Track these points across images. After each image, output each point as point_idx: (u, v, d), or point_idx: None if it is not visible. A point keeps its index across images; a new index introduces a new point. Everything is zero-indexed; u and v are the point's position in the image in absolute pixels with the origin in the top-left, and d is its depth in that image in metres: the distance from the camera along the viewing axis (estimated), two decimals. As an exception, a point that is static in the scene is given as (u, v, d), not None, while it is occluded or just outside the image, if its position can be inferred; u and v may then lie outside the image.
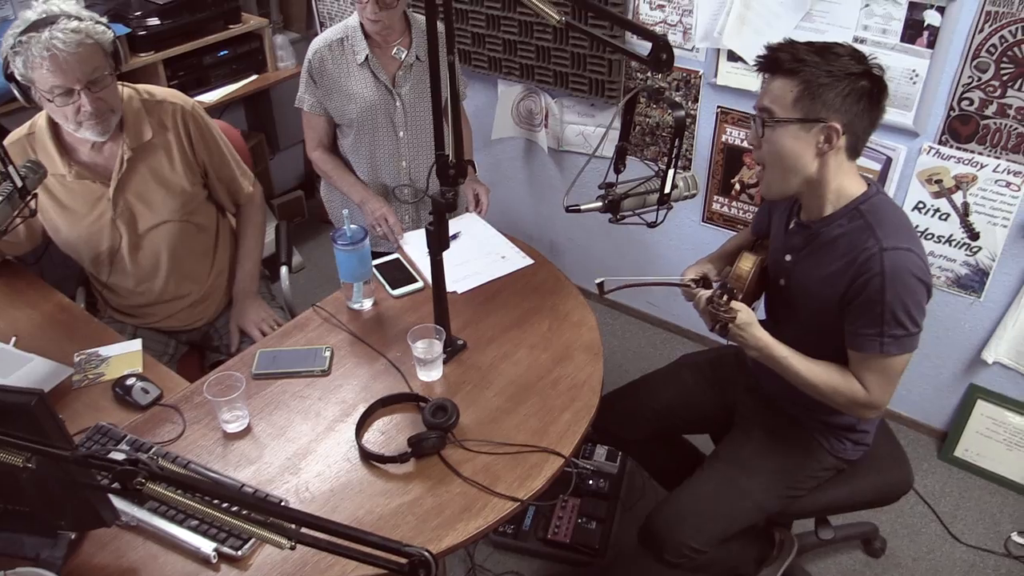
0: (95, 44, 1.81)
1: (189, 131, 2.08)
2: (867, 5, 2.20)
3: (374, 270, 2.08)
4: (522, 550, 2.38)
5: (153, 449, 1.61)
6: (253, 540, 1.43)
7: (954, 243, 2.39)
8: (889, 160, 2.38)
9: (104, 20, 1.87)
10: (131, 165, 1.99)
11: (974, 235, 2.35)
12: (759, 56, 1.57)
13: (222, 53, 3.17)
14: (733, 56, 2.49)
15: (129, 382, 1.76)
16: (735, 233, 2.16)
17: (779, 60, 1.53)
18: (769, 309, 1.92)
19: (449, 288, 1.87)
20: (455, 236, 2.26)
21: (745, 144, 2.64)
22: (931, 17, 2.13)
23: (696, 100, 2.66)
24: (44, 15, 1.76)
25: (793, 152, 1.57)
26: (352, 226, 1.94)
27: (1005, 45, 2.07)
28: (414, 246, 2.27)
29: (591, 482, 2.48)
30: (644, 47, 1.50)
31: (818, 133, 1.53)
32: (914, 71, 2.21)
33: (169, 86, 2.92)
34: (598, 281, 1.71)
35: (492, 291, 2.08)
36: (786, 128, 1.55)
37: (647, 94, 1.57)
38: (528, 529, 2.39)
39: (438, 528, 1.48)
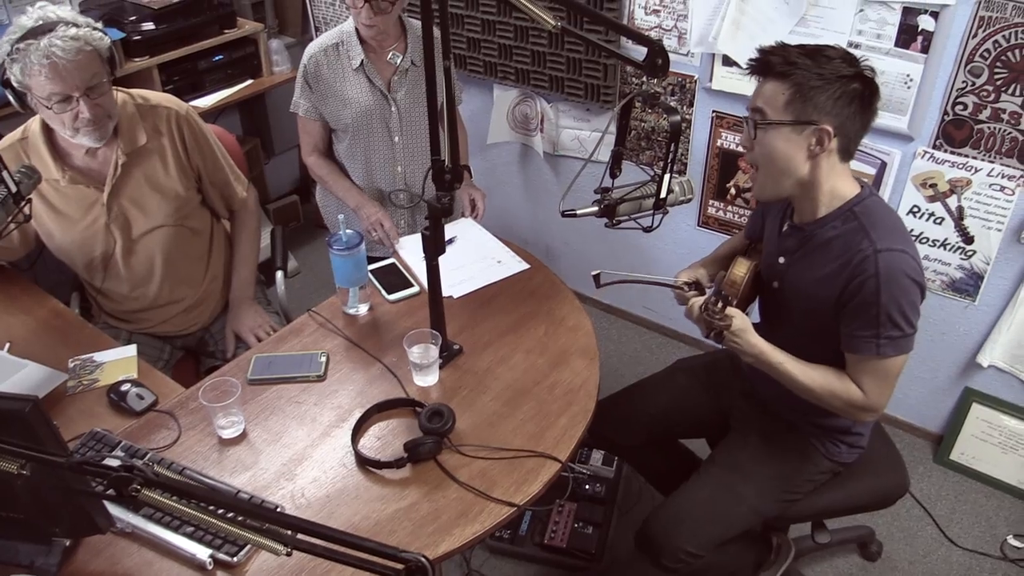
0: (93, 51, 1.80)
1: (183, 135, 2.07)
2: (861, 10, 2.21)
3: (370, 275, 2.08)
4: (519, 555, 2.38)
5: (148, 455, 1.60)
6: (249, 546, 1.43)
7: (949, 247, 2.40)
8: (884, 164, 2.39)
9: (100, 26, 1.87)
10: (125, 170, 1.99)
11: (968, 239, 2.36)
12: (751, 59, 1.58)
13: (217, 58, 3.17)
14: (728, 61, 2.50)
15: (124, 388, 1.76)
16: (728, 238, 2.16)
17: (770, 63, 1.54)
18: (763, 312, 1.92)
19: (445, 293, 1.87)
20: (451, 241, 2.26)
21: (740, 149, 2.65)
22: (925, 22, 2.14)
23: (691, 105, 2.66)
24: (41, 22, 1.75)
25: (785, 154, 1.57)
26: (348, 231, 1.94)
27: (999, 50, 2.07)
28: (410, 251, 2.27)
29: (587, 487, 2.48)
30: (639, 52, 1.50)
31: (810, 136, 1.54)
32: (908, 76, 2.22)
33: (164, 91, 2.91)
34: (595, 273, 1.71)
35: (488, 296, 2.08)
36: (778, 130, 1.55)
37: (643, 99, 1.58)
38: (525, 534, 2.39)
39: (435, 533, 1.48)
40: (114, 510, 1.42)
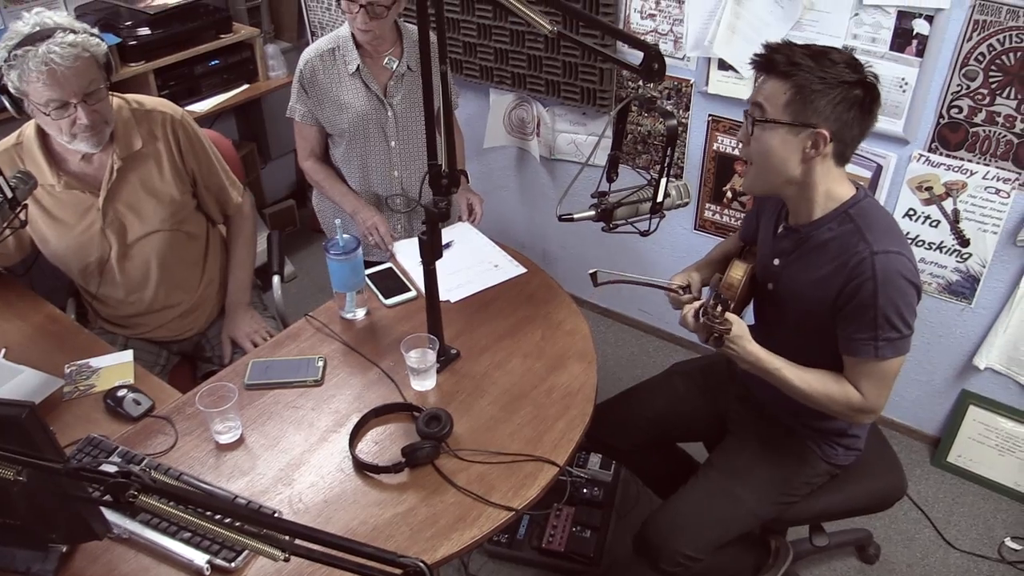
0: (91, 57, 1.80)
1: (179, 140, 2.07)
2: (856, 14, 2.22)
3: (367, 279, 2.08)
4: (517, 559, 2.37)
5: (145, 461, 1.60)
6: (246, 552, 1.42)
7: (945, 250, 2.41)
8: (879, 168, 2.40)
9: (97, 32, 1.86)
10: (121, 175, 1.99)
11: (964, 242, 2.36)
12: (755, 54, 1.58)
13: (213, 63, 3.16)
14: (724, 65, 2.50)
15: (120, 393, 1.75)
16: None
17: (774, 62, 1.54)
18: (758, 314, 1.92)
19: (442, 297, 1.87)
20: (448, 245, 2.25)
21: (736, 152, 2.65)
22: (920, 26, 2.14)
23: (687, 109, 2.67)
24: (38, 28, 1.75)
25: (780, 154, 1.57)
26: (344, 236, 1.94)
27: (993, 53, 2.08)
28: (407, 255, 2.26)
29: (585, 490, 2.48)
30: (635, 56, 1.50)
31: (806, 138, 1.54)
32: (903, 79, 2.22)
33: (160, 96, 2.91)
34: (592, 271, 1.71)
35: (485, 300, 2.08)
36: (775, 130, 1.55)
37: (639, 103, 1.58)
38: (523, 538, 2.39)
39: (432, 538, 1.47)
40: (111, 516, 1.41)
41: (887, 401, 1.67)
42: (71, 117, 1.81)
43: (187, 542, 1.43)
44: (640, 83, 1.55)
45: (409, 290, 2.11)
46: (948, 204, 2.34)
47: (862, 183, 2.36)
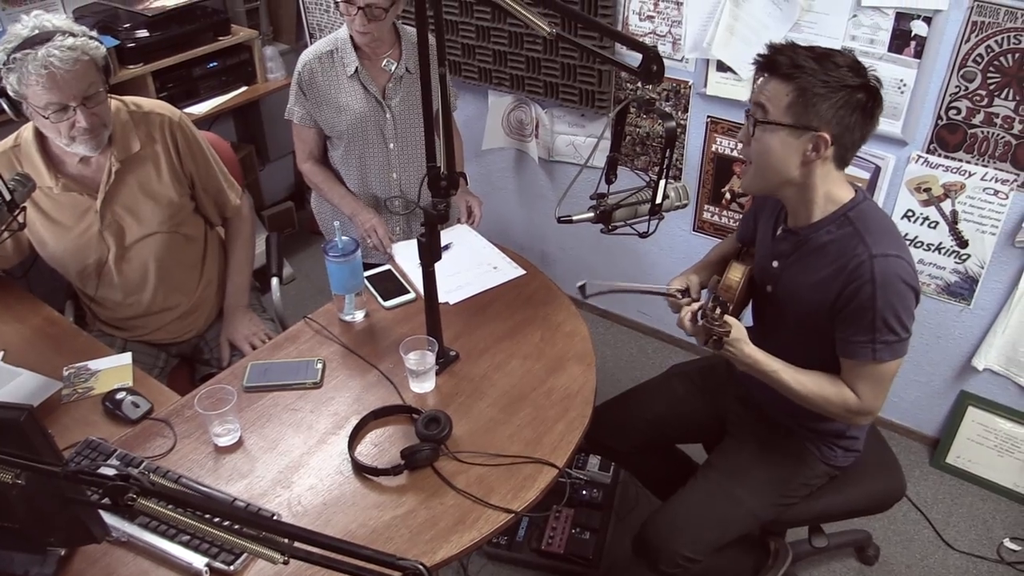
0: (90, 60, 1.80)
1: (176, 142, 2.07)
2: (855, 15, 2.22)
3: (366, 282, 2.08)
4: (516, 561, 2.37)
5: (144, 464, 1.60)
6: (245, 555, 1.42)
7: (943, 251, 2.41)
8: (878, 169, 2.40)
9: (95, 34, 1.86)
10: (119, 177, 1.99)
11: (963, 243, 2.37)
12: (759, 54, 1.57)
13: (212, 65, 3.16)
14: (722, 66, 2.51)
15: (119, 396, 1.75)
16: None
17: (777, 63, 1.53)
18: (756, 316, 1.92)
19: (441, 299, 1.87)
20: (447, 247, 2.25)
21: (735, 154, 2.66)
22: (918, 27, 2.15)
23: (686, 110, 2.67)
24: (37, 31, 1.75)
25: (780, 156, 1.57)
26: (343, 238, 1.94)
27: (991, 55, 2.08)
28: (406, 257, 2.26)
29: (584, 492, 2.48)
30: (634, 58, 1.51)
31: (807, 141, 1.54)
32: (902, 81, 2.23)
33: (159, 98, 2.91)
34: (580, 284, 1.71)
35: (484, 302, 2.08)
36: (776, 131, 1.55)
37: (638, 105, 1.58)
38: (522, 540, 2.38)
39: (432, 541, 1.47)
40: (110, 519, 1.41)
41: (884, 403, 1.67)
42: (70, 120, 1.81)
43: (186, 545, 1.43)
44: (639, 85, 1.55)
45: (408, 292, 2.10)
46: (946, 205, 2.34)
47: (860, 184, 2.37)
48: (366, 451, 1.67)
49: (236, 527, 1.04)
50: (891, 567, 2.39)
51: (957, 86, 2.17)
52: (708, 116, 2.65)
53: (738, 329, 1.59)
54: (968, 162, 2.25)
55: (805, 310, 1.68)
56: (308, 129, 2.47)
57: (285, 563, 1.03)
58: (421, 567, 1.03)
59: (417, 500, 1.55)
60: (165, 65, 2.99)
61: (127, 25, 2.88)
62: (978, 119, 2.18)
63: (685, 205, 1.66)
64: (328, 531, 1.47)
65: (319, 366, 1.86)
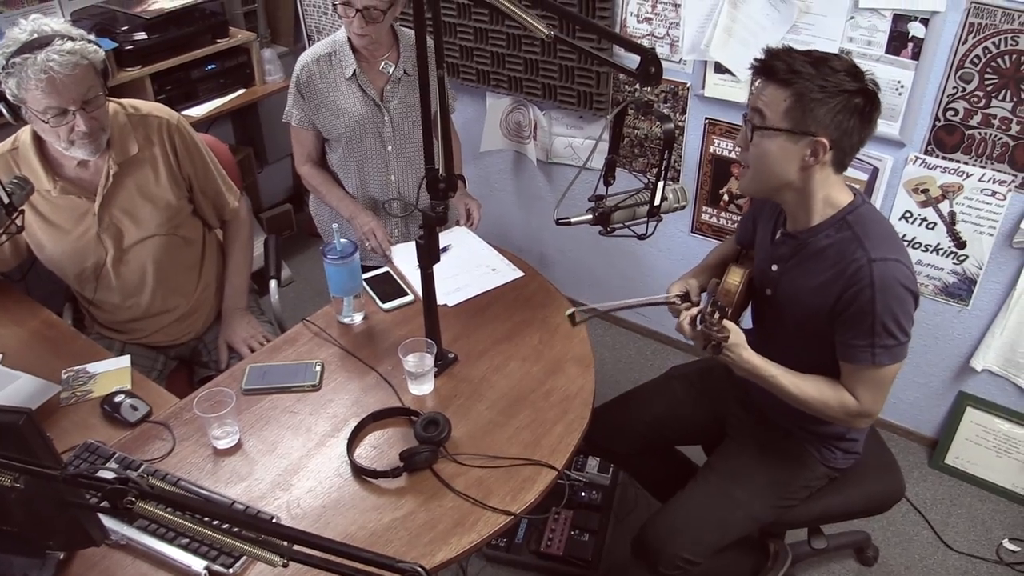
0: (89, 64, 1.80)
1: (175, 145, 2.07)
2: (852, 17, 2.22)
3: (364, 284, 2.08)
4: (515, 563, 2.37)
5: (142, 467, 1.60)
6: (244, 558, 1.42)
7: (941, 252, 2.41)
8: (876, 170, 2.40)
9: (94, 38, 1.86)
10: (117, 180, 1.98)
11: (961, 244, 2.37)
12: (756, 59, 1.57)
13: (210, 67, 3.16)
14: (720, 68, 2.51)
15: (118, 399, 1.75)
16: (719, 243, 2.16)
17: (774, 68, 1.52)
18: (756, 319, 1.92)
19: (440, 301, 1.87)
20: (445, 249, 2.25)
21: (733, 155, 2.66)
22: (915, 29, 2.15)
23: (684, 112, 2.67)
24: (36, 35, 1.74)
25: (778, 161, 1.57)
26: (342, 240, 1.94)
27: (988, 56, 2.09)
28: (404, 259, 2.26)
29: (583, 494, 2.48)
30: (632, 60, 1.51)
31: (805, 146, 1.53)
32: (899, 82, 2.23)
33: (157, 100, 2.91)
34: (568, 312, 1.71)
35: (483, 304, 2.08)
36: (774, 137, 1.55)
37: (636, 107, 1.58)
38: (521, 542, 2.38)
39: (431, 543, 1.47)
40: (108, 522, 1.41)
41: (883, 405, 1.67)
42: (69, 124, 1.81)
43: (185, 548, 1.43)
44: (637, 87, 1.55)
45: (406, 294, 2.10)
46: (944, 206, 2.35)
47: (858, 186, 2.38)
48: (365, 453, 1.67)
49: (235, 530, 1.04)
50: (890, 568, 2.39)
51: (955, 87, 2.17)
52: (706, 118, 2.65)
53: (736, 334, 1.59)
54: (966, 163, 2.26)
55: (805, 314, 1.68)
56: (306, 132, 2.47)
57: (284, 566, 1.03)
58: (420, 569, 1.03)
59: (416, 502, 1.55)
60: (163, 67, 2.99)
61: (125, 27, 2.88)
62: (976, 120, 2.19)
63: (683, 207, 1.67)
64: (327, 534, 1.47)
65: (318, 368, 1.86)
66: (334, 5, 2.24)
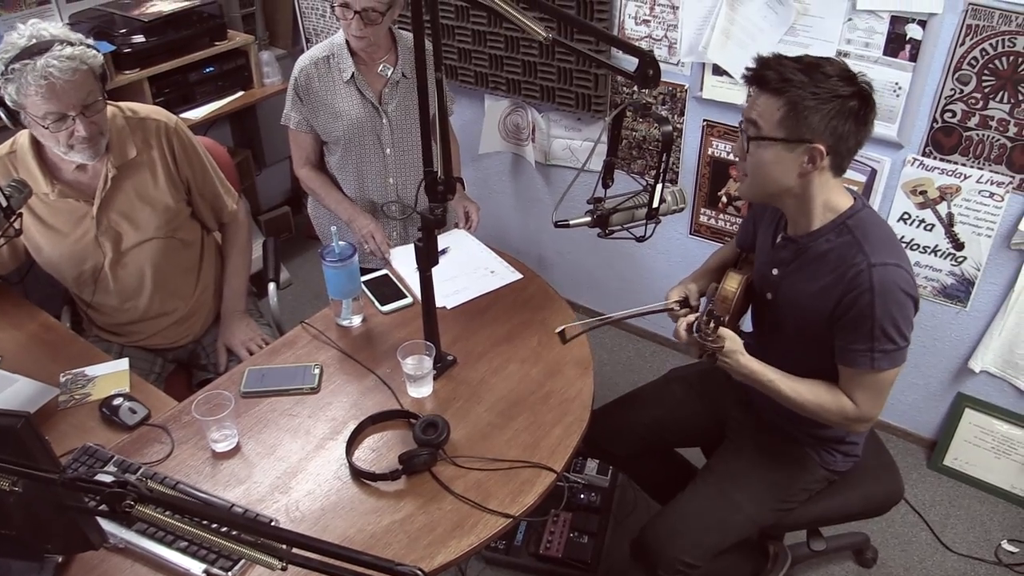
0: (88, 70, 1.80)
1: (173, 148, 2.07)
2: (850, 19, 2.23)
3: (363, 286, 2.08)
4: (514, 565, 2.37)
5: (141, 470, 1.60)
6: (243, 561, 1.42)
7: (939, 253, 2.41)
8: (874, 172, 2.40)
9: (92, 42, 1.86)
10: (115, 183, 1.98)
11: (959, 245, 2.37)
12: (747, 68, 1.57)
13: (208, 70, 3.16)
14: (718, 70, 2.51)
15: (116, 402, 1.75)
16: (720, 246, 2.16)
17: (766, 78, 1.52)
18: (756, 322, 1.92)
19: (438, 303, 1.87)
20: (444, 251, 2.25)
21: (731, 157, 2.66)
22: (913, 31, 2.15)
23: (682, 114, 2.67)
24: (35, 40, 1.74)
25: (776, 170, 1.57)
26: (340, 242, 1.94)
27: (986, 58, 2.09)
28: (403, 262, 2.26)
29: (582, 496, 2.47)
30: (630, 62, 1.51)
31: (802, 154, 1.53)
32: (897, 84, 2.23)
33: (155, 103, 2.92)
34: (558, 330, 1.71)
35: (481, 306, 2.08)
36: (770, 146, 1.54)
37: (634, 109, 1.58)
38: (520, 544, 2.38)
39: (430, 546, 1.47)
40: (107, 526, 1.41)
41: (882, 410, 1.67)
42: (69, 129, 1.81)
43: (184, 551, 1.43)
44: (635, 89, 1.55)
45: (405, 297, 2.10)
46: (942, 208, 2.35)
47: (856, 187, 2.38)
48: (364, 456, 1.67)
49: (234, 533, 1.04)
50: (889, 569, 2.39)
51: (952, 89, 2.18)
52: (704, 120, 2.65)
53: (732, 341, 1.59)
54: (964, 165, 2.26)
55: (804, 318, 1.68)
56: (305, 134, 2.47)
57: (283, 569, 1.03)
58: (419, 572, 1.02)
59: (415, 505, 1.55)
60: (161, 70, 3.00)
61: (123, 30, 2.88)
62: (973, 122, 2.19)
63: (682, 209, 1.67)
64: (326, 537, 1.47)
65: (316, 371, 1.86)
66: (332, 7, 2.24)
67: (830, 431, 1.81)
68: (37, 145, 1.94)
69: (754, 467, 1.87)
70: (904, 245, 2.41)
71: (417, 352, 1.77)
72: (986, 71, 2.11)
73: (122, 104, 2.04)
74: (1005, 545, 2.44)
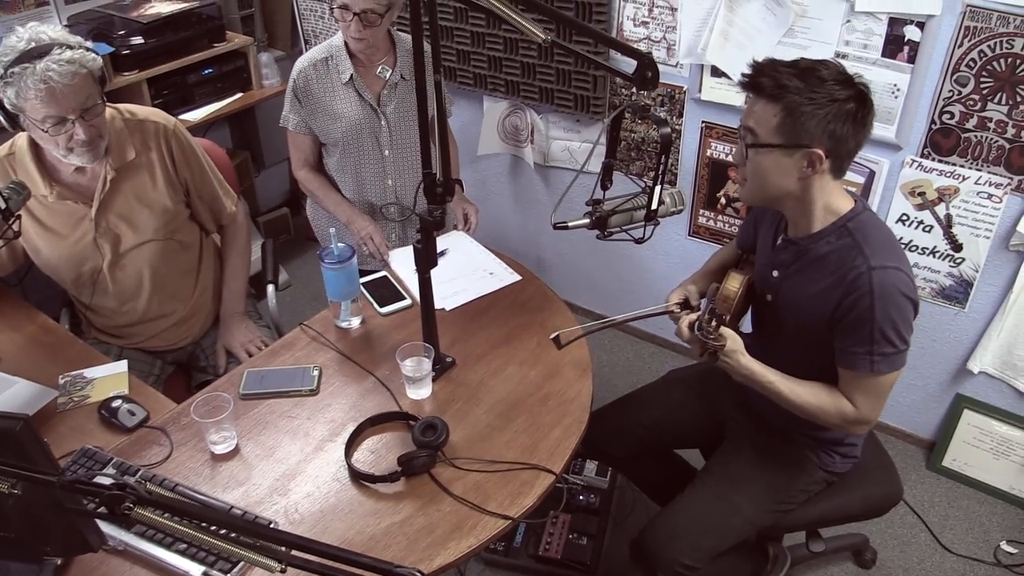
0: (88, 73, 1.80)
1: (171, 150, 2.07)
2: (848, 21, 2.23)
3: (362, 288, 2.08)
4: (514, 567, 2.37)
5: (140, 472, 1.59)
6: (242, 563, 1.42)
7: (938, 254, 2.42)
8: (872, 173, 2.41)
9: (91, 46, 1.85)
10: (114, 185, 1.98)
11: (957, 246, 2.37)
12: (743, 74, 1.56)
13: (207, 71, 3.16)
14: (717, 71, 2.51)
15: (115, 404, 1.75)
16: (720, 247, 2.16)
17: (761, 85, 1.51)
18: (756, 323, 1.92)
19: (437, 305, 1.87)
20: (442, 253, 2.26)
21: (730, 158, 2.66)
22: (911, 32, 2.16)
23: (681, 115, 2.68)
24: (34, 44, 1.74)
25: (775, 175, 1.57)
26: (339, 244, 1.94)
27: (984, 59, 2.09)
28: (402, 263, 2.26)
29: (581, 497, 2.47)
30: (629, 63, 1.51)
31: (801, 159, 1.53)
32: (895, 86, 2.23)
33: (154, 105, 2.92)
34: (552, 336, 1.71)
35: (480, 308, 2.08)
36: (769, 153, 1.54)
37: (633, 111, 1.58)
38: (519, 546, 2.38)
39: (429, 547, 1.47)
40: (106, 528, 1.41)
41: (881, 412, 1.67)
42: (68, 133, 1.80)
43: (183, 553, 1.43)
44: (634, 90, 1.55)
45: (404, 298, 2.10)
46: (941, 209, 2.35)
47: (855, 188, 2.38)
48: (363, 458, 1.67)
49: (233, 535, 1.04)
50: (888, 571, 2.39)
51: (950, 91, 2.18)
52: (703, 121, 2.66)
53: (734, 341, 1.59)
54: (962, 166, 2.26)
55: (805, 320, 1.68)
56: (303, 136, 2.47)
57: (283, 571, 1.03)
58: (418, 574, 1.02)
59: (414, 507, 1.55)
60: (160, 72, 3.00)
61: (122, 32, 2.88)
62: (971, 123, 2.19)
63: (681, 210, 1.67)
64: (325, 539, 1.47)
65: (315, 373, 1.86)
66: (331, 9, 2.24)
67: (829, 433, 1.81)
68: (35, 147, 1.94)
69: (753, 469, 1.87)
70: (903, 247, 2.41)
71: (416, 354, 1.77)
72: (984, 73, 2.11)
73: (121, 106, 2.04)
74: (1004, 546, 2.44)
